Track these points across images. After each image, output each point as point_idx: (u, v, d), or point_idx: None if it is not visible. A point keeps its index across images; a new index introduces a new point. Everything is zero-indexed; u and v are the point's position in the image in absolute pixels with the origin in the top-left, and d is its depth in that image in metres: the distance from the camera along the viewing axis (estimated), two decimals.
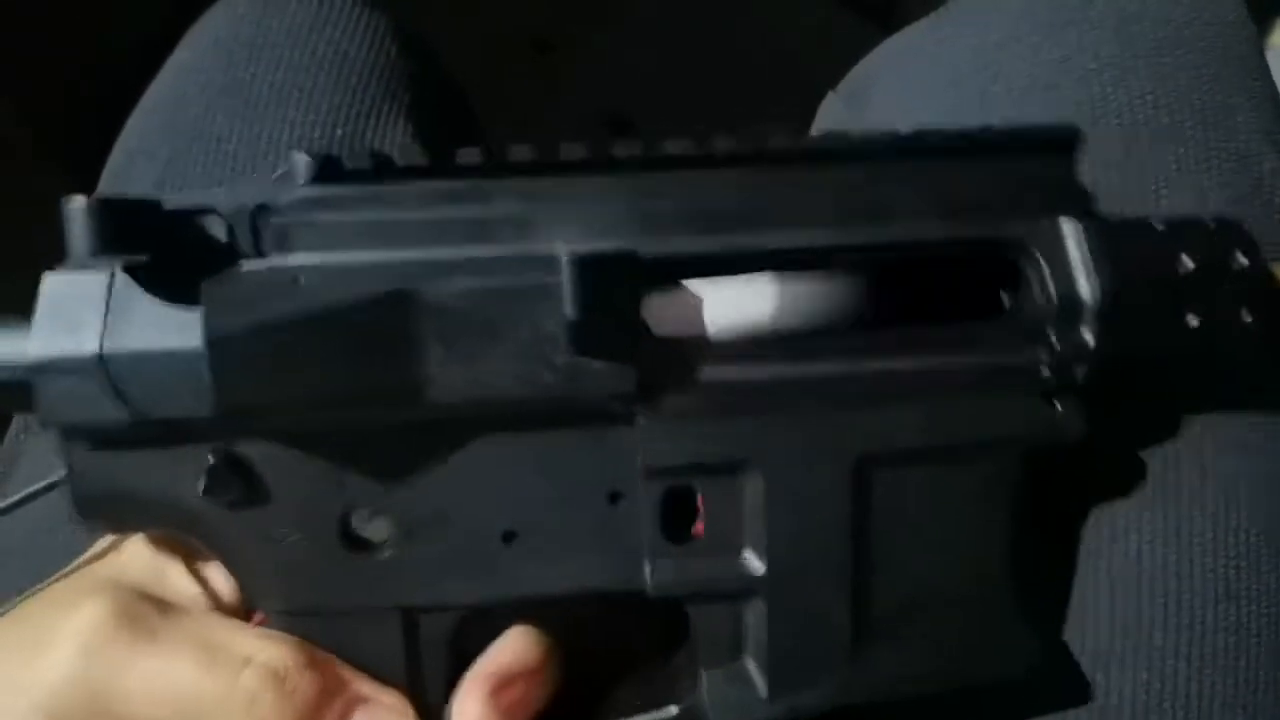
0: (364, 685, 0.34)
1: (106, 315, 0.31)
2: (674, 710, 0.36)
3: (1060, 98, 0.47)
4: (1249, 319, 0.38)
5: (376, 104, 0.50)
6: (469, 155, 0.34)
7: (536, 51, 1.23)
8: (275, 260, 0.33)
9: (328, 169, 0.33)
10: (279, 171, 0.33)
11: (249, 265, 0.32)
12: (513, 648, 0.35)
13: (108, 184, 0.52)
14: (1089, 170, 0.39)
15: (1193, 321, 0.37)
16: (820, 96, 0.61)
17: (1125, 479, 0.41)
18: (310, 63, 0.50)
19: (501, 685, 0.34)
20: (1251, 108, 0.48)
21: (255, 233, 0.32)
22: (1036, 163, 0.37)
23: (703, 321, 0.35)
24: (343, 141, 0.48)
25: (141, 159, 0.51)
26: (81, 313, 0.31)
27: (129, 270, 0.32)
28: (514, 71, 1.18)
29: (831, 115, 0.60)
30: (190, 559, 0.35)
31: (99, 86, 0.54)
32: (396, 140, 0.50)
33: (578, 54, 1.22)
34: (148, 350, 0.31)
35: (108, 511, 0.33)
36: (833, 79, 0.61)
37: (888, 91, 0.55)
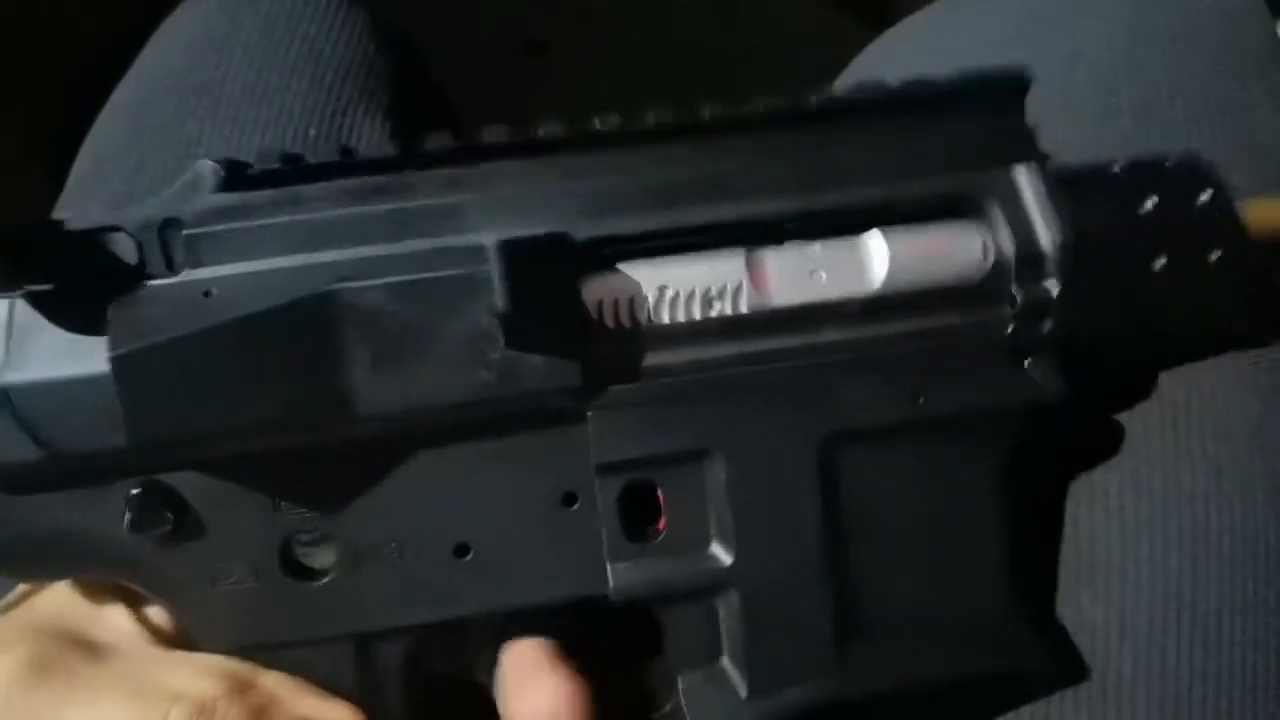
0: (308, 701, 0.32)
1: (8, 346, 0.30)
2: None
3: (1071, 91, 0.45)
4: (1216, 255, 0.36)
5: (353, 102, 0.48)
6: (384, 148, 0.32)
7: (531, 53, 1.22)
8: (187, 275, 0.31)
9: (235, 174, 0.31)
10: (183, 180, 0.32)
11: (159, 283, 0.31)
12: (530, 643, 0.33)
13: (73, 191, 0.50)
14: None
15: (1160, 262, 0.36)
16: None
17: (1133, 474, 0.40)
18: (284, 61, 0.48)
19: None
20: (1270, 101, 0.46)
21: (165, 248, 0.31)
22: (985, 111, 0.35)
23: (644, 303, 0.33)
24: (316, 142, 0.47)
25: (108, 165, 0.49)
26: None
27: (30, 298, 0.30)
28: (508, 74, 1.17)
29: None
30: (127, 594, 0.33)
31: (93, 86, 0.53)
32: (373, 140, 0.48)
33: (572, 56, 1.20)
34: (53, 379, 0.30)
35: (26, 560, 0.32)
36: (828, 80, 0.59)
37: None
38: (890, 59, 0.55)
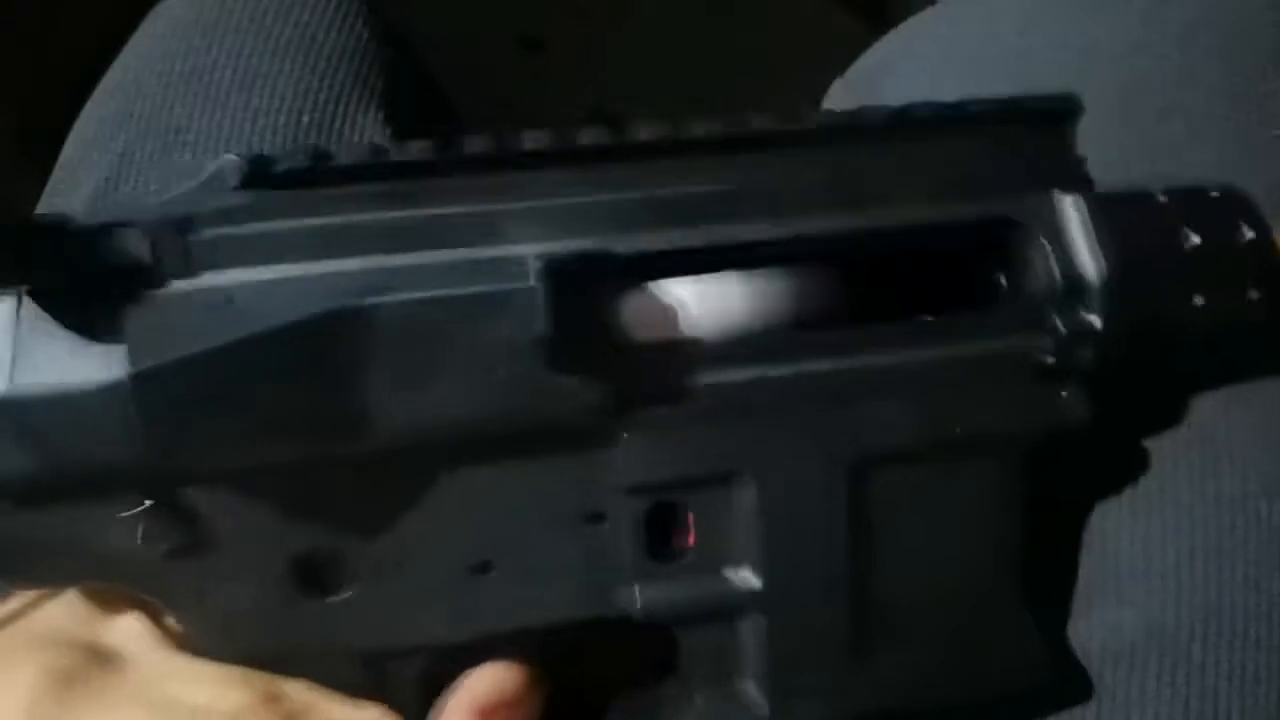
0: (339, 708, 0.31)
1: (14, 350, 0.28)
2: None
3: (1087, 84, 0.44)
4: (1255, 295, 0.36)
5: (345, 90, 0.47)
6: (419, 150, 0.30)
7: (524, 50, 1.21)
8: (206, 279, 0.29)
9: (260, 171, 0.30)
10: (204, 176, 0.30)
11: (176, 286, 0.29)
12: (490, 678, 0.32)
13: (59, 178, 0.49)
14: (1118, 157, 0.37)
15: (1199, 300, 0.35)
16: (814, 95, 0.59)
17: (1158, 483, 0.39)
18: (275, 47, 0.47)
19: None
20: None
21: (182, 248, 0.29)
22: (1032, 135, 0.35)
23: (679, 323, 0.32)
24: (308, 130, 0.46)
25: (95, 151, 0.48)
26: None
27: (38, 298, 0.28)
28: (501, 70, 1.16)
29: (838, 104, 0.57)
30: (139, 599, 0.32)
31: (88, 84, 0.51)
32: (366, 128, 0.47)
33: (567, 53, 1.20)
34: (63, 387, 0.28)
35: (28, 570, 0.30)
36: (826, 79, 0.59)
37: (901, 78, 0.53)
38: (901, 55, 0.55)
